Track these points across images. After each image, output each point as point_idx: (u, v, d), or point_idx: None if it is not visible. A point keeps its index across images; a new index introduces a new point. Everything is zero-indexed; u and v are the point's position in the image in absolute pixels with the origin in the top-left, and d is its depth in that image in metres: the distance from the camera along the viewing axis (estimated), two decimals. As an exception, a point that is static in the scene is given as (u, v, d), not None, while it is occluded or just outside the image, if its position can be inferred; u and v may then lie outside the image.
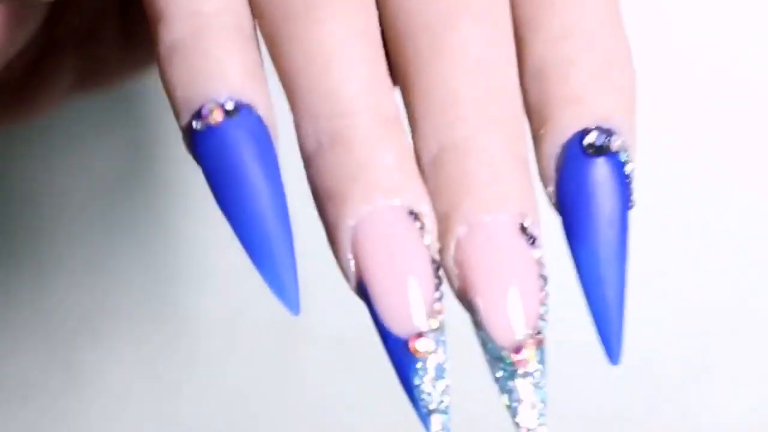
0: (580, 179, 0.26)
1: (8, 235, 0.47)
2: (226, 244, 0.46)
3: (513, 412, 0.25)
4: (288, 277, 0.24)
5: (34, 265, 0.47)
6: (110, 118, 0.47)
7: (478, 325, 0.25)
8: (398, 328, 0.24)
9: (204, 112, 0.24)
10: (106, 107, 0.46)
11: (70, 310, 0.48)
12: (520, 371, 0.25)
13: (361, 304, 0.45)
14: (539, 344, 0.25)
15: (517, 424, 0.25)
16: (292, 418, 0.48)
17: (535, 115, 0.26)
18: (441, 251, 0.25)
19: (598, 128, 0.26)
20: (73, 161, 0.47)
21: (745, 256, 0.48)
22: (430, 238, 0.24)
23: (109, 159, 0.47)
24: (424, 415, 0.24)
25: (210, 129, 0.24)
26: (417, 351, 0.24)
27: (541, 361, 0.25)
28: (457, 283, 0.25)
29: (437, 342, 0.24)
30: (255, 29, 0.25)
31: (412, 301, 0.24)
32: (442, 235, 0.25)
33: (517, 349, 0.25)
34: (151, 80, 0.42)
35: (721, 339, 0.48)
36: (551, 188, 0.26)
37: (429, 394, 0.24)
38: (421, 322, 0.24)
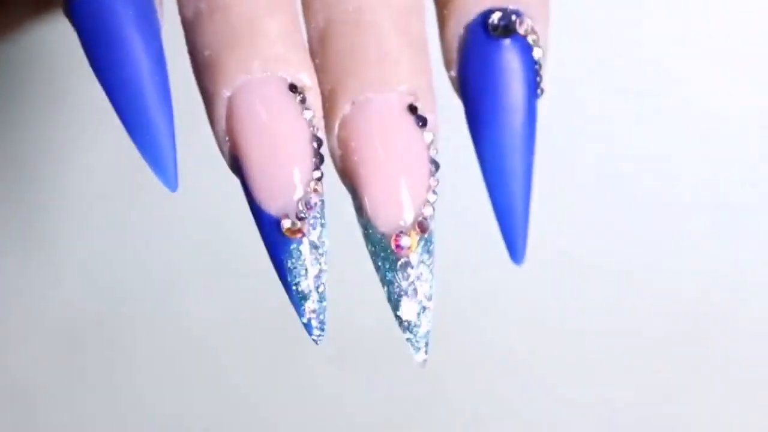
0: (483, 62, 0.24)
1: (8, 236, 0.47)
2: (227, 244, 0.46)
3: (394, 304, 0.23)
4: (165, 151, 0.23)
5: (34, 265, 0.47)
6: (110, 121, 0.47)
7: (359, 210, 0.23)
8: (270, 206, 0.23)
9: None
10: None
11: (71, 310, 0.47)
12: (402, 261, 0.23)
13: (361, 303, 0.45)
14: (424, 232, 0.23)
15: (398, 318, 0.23)
16: (292, 418, 0.48)
17: None
18: (326, 130, 0.23)
19: (503, 9, 0.24)
20: (74, 162, 0.47)
21: (744, 254, 0.46)
22: (311, 113, 0.23)
23: (108, 159, 0.46)
24: (297, 302, 0.23)
25: None
26: (290, 231, 0.23)
27: (426, 252, 0.23)
28: (339, 165, 0.23)
29: (313, 223, 0.23)
30: None
31: (286, 177, 0.23)
32: (327, 113, 0.23)
33: (398, 236, 0.23)
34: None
35: (722, 338, 0.47)
36: (453, 72, 0.24)
37: (303, 277, 0.23)
38: (294, 200, 0.23)
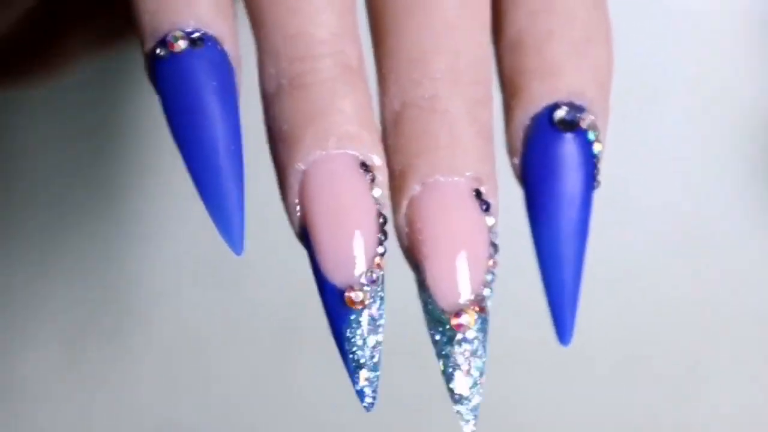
0: (547, 153, 0.25)
1: (9, 236, 0.48)
2: (227, 246, 0.47)
3: (447, 377, 0.24)
4: (234, 215, 0.24)
5: (35, 266, 0.48)
6: (112, 121, 0.47)
7: (421, 285, 0.24)
8: (335, 277, 0.24)
9: (169, 39, 0.24)
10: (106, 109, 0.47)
11: (71, 310, 0.48)
12: (458, 336, 0.24)
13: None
14: (481, 312, 0.24)
15: (450, 390, 0.24)
16: (292, 418, 0.48)
17: (508, 85, 0.26)
18: (393, 208, 0.25)
19: (569, 103, 0.25)
20: (73, 163, 0.47)
21: (743, 253, 0.47)
22: (380, 191, 0.24)
23: (109, 161, 0.47)
24: (352, 369, 0.24)
25: (173, 56, 0.24)
26: (352, 302, 0.24)
27: (482, 330, 0.24)
28: (405, 242, 0.25)
29: (373, 296, 0.24)
30: None
31: (352, 251, 0.24)
32: (396, 192, 0.25)
33: (458, 314, 0.24)
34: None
35: (721, 339, 0.48)
36: (516, 160, 0.25)
37: (360, 347, 0.24)
38: (359, 274, 0.24)
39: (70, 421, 0.48)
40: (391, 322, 0.45)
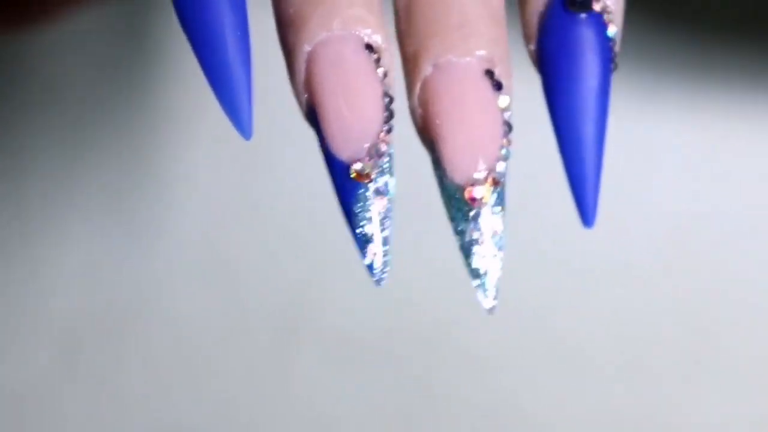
0: (562, 36, 0.25)
1: (8, 236, 0.48)
2: (226, 243, 0.46)
3: (465, 252, 0.24)
4: (242, 99, 0.25)
5: (35, 266, 0.48)
6: (112, 121, 0.48)
7: (436, 163, 0.25)
8: (342, 152, 0.24)
9: None
10: (107, 109, 0.47)
11: (71, 311, 0.48)
12: (475, 211, 0.24)
13: (361, 303, 0.45)
14: (496, 185, 0.24)
15: (468, 265, 0.24)
16: (292, 418, 0.48)
17: None
18: (407, 91, 0.25)
19: None
20: (72, 163, 0.48)
21: (744, 252, 0.47)
22: (383, 71, 0.25)
23: (108, 161, 0.47)
24: (361, 244, 0.24)
25: None
26: (358, 175, 0.24)
27: (499, 204, 0.24)
28: (419, 123, 0.25)
29: (381, 169, 0.24)
30: None
31: (358, 125, 0.24)
32: (409, 74, 0.25)
33: (472, 187, 0.24)
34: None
35: (723, 339, 0.47)
36: (532, 46, 0.26)
37: (368, 220, 0.24)
38: (364, 147, 0.24)
39: (70, 422, 0.48)
40: (392, 322, 0.45)
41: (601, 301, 0.46)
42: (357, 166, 0.24)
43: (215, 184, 0.45)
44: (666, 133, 0.46)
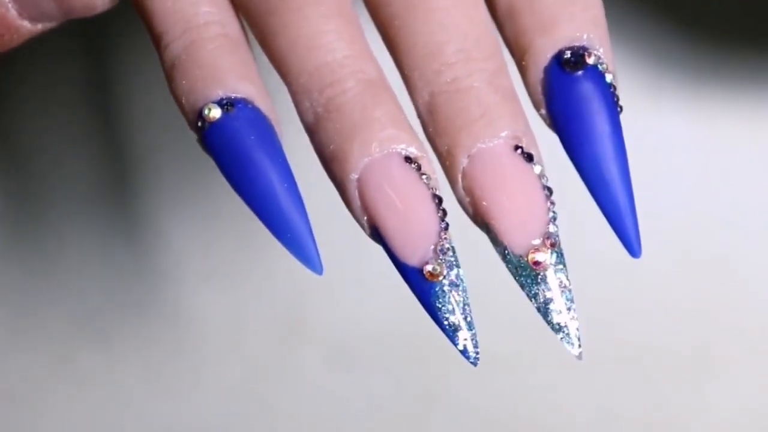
0: (566, 95, 0.28)
1: (8, 236, 0.48)
2: (227, 244, 0.48)
3: (543, 313, 0.27)
4: (306, 243, 0.27)
5: (34, 266, 0.48)
6: (112, 120, 0.48)
7: (494, 241, 0.27)
8: (411, 259, 0.27)
9: (204, 113, 0.27)
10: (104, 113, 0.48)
11: (71, 311, 0.48)
12: (540, 274, 0.27)
13: (361, 304, 0.46)
14: (553, 246, 0.27)
15: (550, 323, 0.27)
16: (292, 417, 0.49)
17: (515, 48, 0.28)
18: (451, 185, 0.27)
19: (572, 47, 0.28)
20: (72, 164, 0.48)
21: (745, 252, 0.48)
22: (427, 176, 0.27)
23: (107, 162, 0.48)
24: (450, 334, 0.27)
25: (213, 126, 0.27)
26: (432, 275, 0.27)
27: (560, 263, 0.27)
28: (470, 210, 0.27)
29: (449, 265, 0.27)
30: (243, 31, 0.29)
31: (419, 232, 0.27)
32: (449, 170, 0.27)
33: (534, 253, 0.27)
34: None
35: (721, 338, 0.48)
36: (543, 110, 0.28)
37: (451, 312, 0.27)
38: (430, 250, 0.27)
39: (69, 422, 0.49)
40: (392, 324, 0.45)
41: (601, 301, 0.47)
42: (428, 267, 0.27)
43: (216, 185, 0.46)
44: (668, 132, 0.47)
